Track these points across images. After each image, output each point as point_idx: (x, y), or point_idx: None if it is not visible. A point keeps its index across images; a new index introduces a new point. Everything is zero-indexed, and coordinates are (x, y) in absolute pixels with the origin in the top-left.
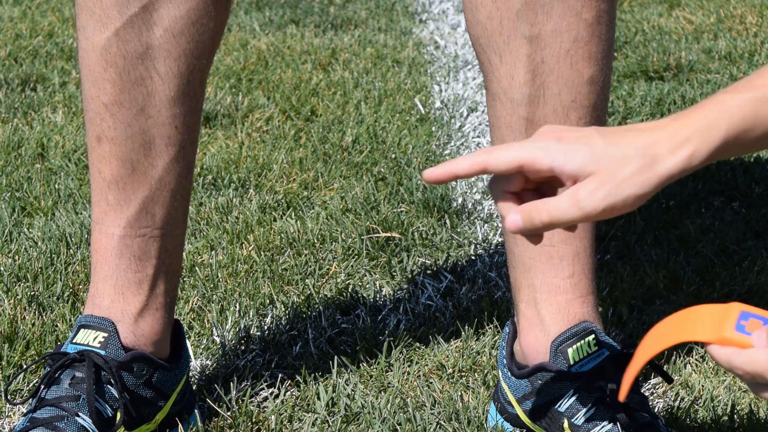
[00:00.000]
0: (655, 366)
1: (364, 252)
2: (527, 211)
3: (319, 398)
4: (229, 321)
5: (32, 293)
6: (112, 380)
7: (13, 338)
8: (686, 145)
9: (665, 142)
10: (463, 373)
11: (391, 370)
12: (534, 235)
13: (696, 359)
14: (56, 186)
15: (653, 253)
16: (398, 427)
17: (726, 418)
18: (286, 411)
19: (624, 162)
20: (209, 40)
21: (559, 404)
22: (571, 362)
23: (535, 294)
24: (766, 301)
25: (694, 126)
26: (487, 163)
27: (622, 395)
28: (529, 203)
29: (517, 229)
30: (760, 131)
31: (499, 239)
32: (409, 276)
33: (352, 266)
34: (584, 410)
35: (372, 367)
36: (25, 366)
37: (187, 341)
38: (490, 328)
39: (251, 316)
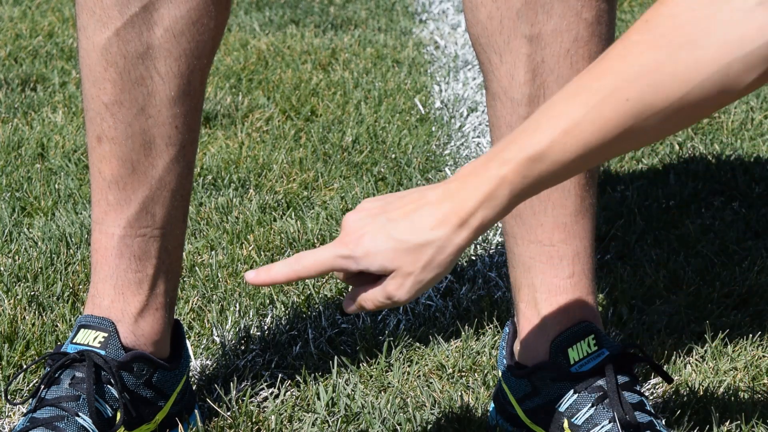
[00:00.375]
0: (655, 366)
1: None
2: (359, 301)
3: (319, 398)
4: (229, 321)
5: (32, 293)
6: (112, 380)
7: (13, 338)
8: (473, 217)
9: (453, 218)
10: (463, 373)
11: (391, 370)
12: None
13: (696, 359)
14: (56, 186)
15: (653, 253)
16: (398, 427)
17: (726, 418)
18: (286, 411)
19: (419, 253)
20: (209, 40)
21: (559, 404)
22: (571, 362)
23: (535, 294)
24: (766, 301)
25: (476, 197)
26: (300, 274)
27: None
28: (361, 294)
29: (353, 312)
30: (548, 175)
31: (499, 239)
32: None
33: None
34: (584, 410)
35: (372, 367)
36: (25, 366)
37: (187, 341)
38: (490, 328)
39: (251, 316)
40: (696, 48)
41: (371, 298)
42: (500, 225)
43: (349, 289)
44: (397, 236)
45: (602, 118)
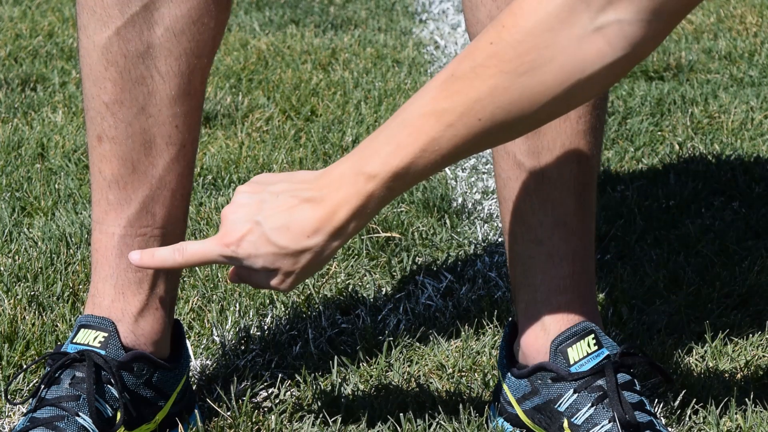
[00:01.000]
0: (655, 366)
1: (364, 252)
2: (245, 278)
3: (319, 398)
4: (229, 321)
5: (32, 293)
6: (112, 380)
7: (13, 338)
8: (347, 226)
9: (327, 227)
10: (463, 373)
11: (391, 370)
12: None
13: (696, 359)
14: (56, 186)
15: (653, 253)
16: (398, 427)
17: (726, 418)
18: (286, 411)
19: (298, 257)
20: (210, 40)
21: (558, 404)
22: (571, 362)
23: (535, 293)
24: (766, 301)
25: (347, 210)
26: (180, 263)
27: None
28: (246, 274)
29: (235, 282)
30: (413, 183)
31: (499, 239)
32: (409, 276)
33: (352, 266)
34: (584, 410)
35: (372, 367)
36: (25, 366)
37: (187, 341)
38: (490, 328)
39: (251, 316)
40: (540, 73)
41: (256, 282)
42: (500, 225)
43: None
44: (276, 242)
45: (458, 136)
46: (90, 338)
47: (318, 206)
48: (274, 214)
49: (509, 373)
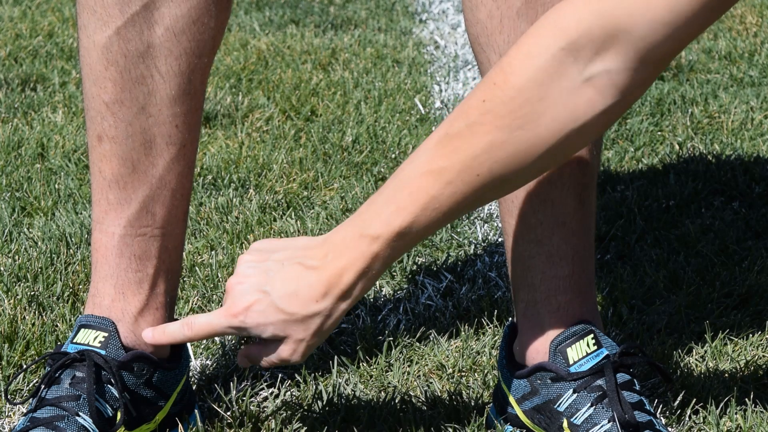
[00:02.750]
0: (655, 366)
1: None
2: (253, 359)
3: (319, 398)
4: None
5: (32, 293)
6: (112, 380)
7: (13, 338)
8: (354, 289)
9: (335, 290)
10: (463, 373)
11: (391, 370)
12: None
13: (696, 359)
14: (56, 186)
15: (653, 253)
16: (398, 427)
17: (726, 418)
18: (286, 411)
19: (308, 323)
20: (210, 39)
21: (558, 404)
22: (570, 362)
23: (535, 293)
24: (766, 301)
25: (353, 272)
26: (190, 338)
27: None
28: (254, 353)
29: (245, 366)
30: (417, 240)
31: (499, 239)
32: (409, 276)
33: None
34: (583, 410)
35: (372, 367)
36: (25, 366)
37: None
38: (490, 328)
39: None
40: (534, 126)
41: (266, 359)
42: (500, 225)
43: (242, 346)
44: (285, 309)
45: (457, 193)
46: (90, 338)
47: (323, 271)
48: (281, 282)
49: (509, 373)
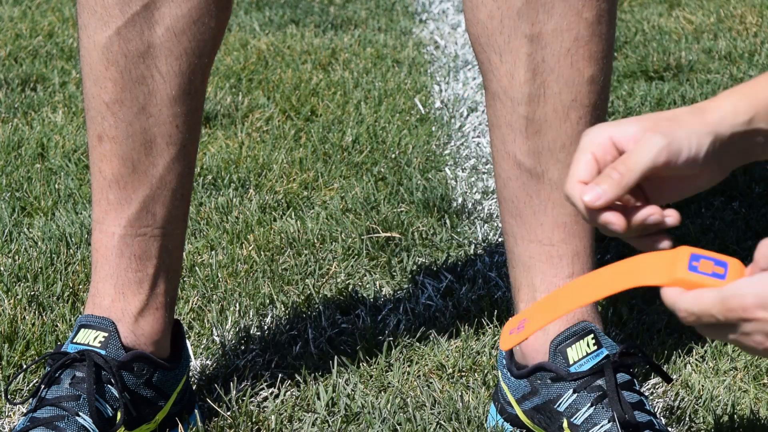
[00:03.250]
0: (655, 366)
1: (364, 252)
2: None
3: (319, 398)
4: (229, 321)
5: (32, 293)
6: (112, 380)
7: (13, 338)
8: None
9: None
10: (463, 373)
11: (391, 370)
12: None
13: (696, 359)
14: (56, 186)
15: None
16: (398, 427)
17: (726, 418)
18: (286, 411)
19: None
20: (210, 39)
21: (558, 404)
22: (570, 362)
23: (535, 293)
24: None
25: None
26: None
27: (505, 344)
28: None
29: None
30: None
31: (499, 239)
32: (409, 276)
33: (352, 266)
34: (583, 410)
35: (372, 367)
36: (25, 366)
37: (187, 341)
38: (490, 328)
39: (251, 316)
40: None
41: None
42: (500, 225)
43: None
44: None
45: None
46: (90, 338)
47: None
48: None
49: (509, 374)
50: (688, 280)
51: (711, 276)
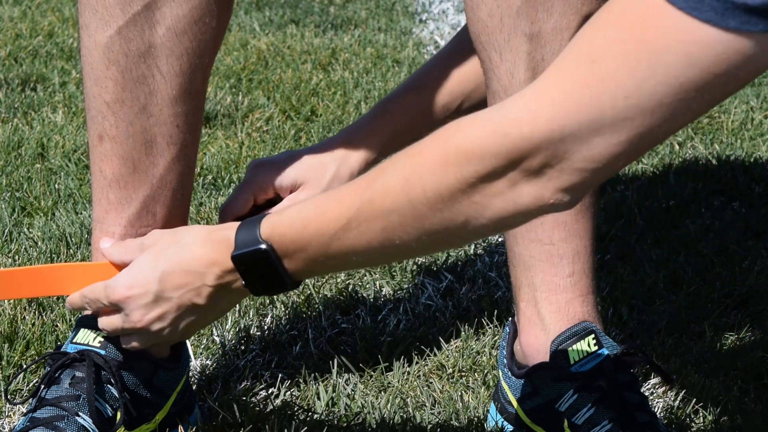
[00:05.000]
0: (655, 366)
1: None
2: None
3: (319, 398)
4: (229, 321)
5: None
6: (112, 380)
7: (13, 338)
8: None
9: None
10: (463, 373)
11: (391, 370)
12: None
13: (696, 359)
14: (56, 186)
15: (653, 253)
16: (398, 427)
17: (726, 418)
18: (286, 411)
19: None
20: (211, 39)
21: (559, 404)
22: (571, 362)
23: (535, 293)
24: (766, 301)
25: None
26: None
27: None
28: None
29: None
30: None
31: (499, 239)
32: (409, 276)
33: None
34: (584, 410)
35: (372, 367)
36: (25, 366)
37: (187, 341)
38: (490, 328)
39: (251, 316)
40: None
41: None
42: None
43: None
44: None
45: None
46: (90, 338)
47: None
48: None
49: (509, 373)
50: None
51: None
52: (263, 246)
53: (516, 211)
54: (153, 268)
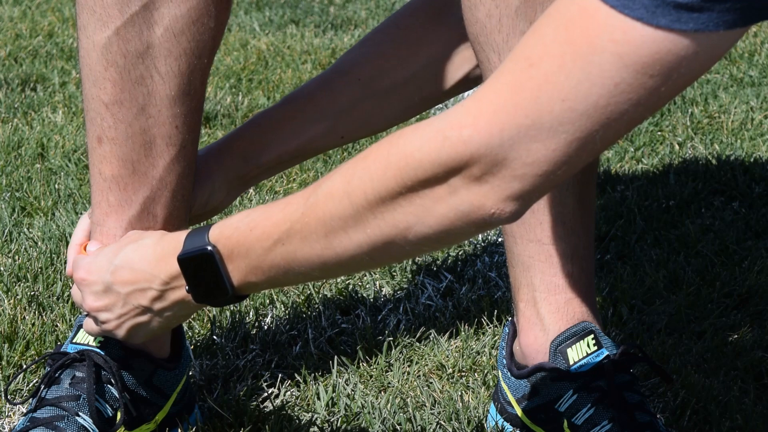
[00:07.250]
0: (655, 366)
1: None
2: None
3: (319, 398)
4: (229, 321)
5: (32, 293)
6: (112, 380)
7: (13, 338)
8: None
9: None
10: (463, 373)
11: (391, 370)
12: None
13: (696, 359)
14: (56, 186)
15: (653, 253)
16: (398, 427)
17: (726, 418)
18: (286, 411)
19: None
20: (210, 40)
21: (558, 404)
22: (571, 362)
23: (535, 293)
24: (766, 301)
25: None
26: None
27: None
28: None
29: None
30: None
31: (499, 239)
32: (409, 276)
33: None
34: (584, 410)
35: (372, 367)
36: (25, 366)
37: (187, 341)
38: (490, 328)
39: (251, 316)
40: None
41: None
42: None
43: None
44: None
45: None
46: (90, 338)
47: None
48: None
49: (509, 373)
50: None
51: None
52: (209, 248)
53: (457, 218)
54: (109, 261)
